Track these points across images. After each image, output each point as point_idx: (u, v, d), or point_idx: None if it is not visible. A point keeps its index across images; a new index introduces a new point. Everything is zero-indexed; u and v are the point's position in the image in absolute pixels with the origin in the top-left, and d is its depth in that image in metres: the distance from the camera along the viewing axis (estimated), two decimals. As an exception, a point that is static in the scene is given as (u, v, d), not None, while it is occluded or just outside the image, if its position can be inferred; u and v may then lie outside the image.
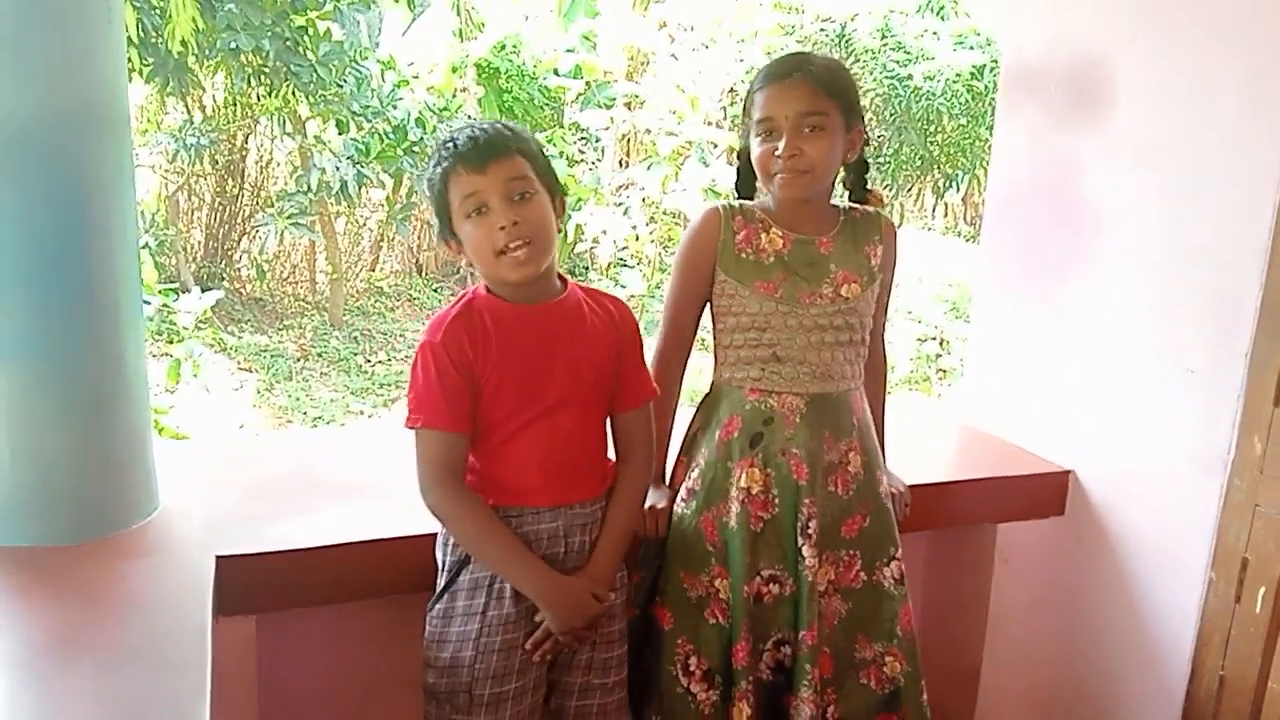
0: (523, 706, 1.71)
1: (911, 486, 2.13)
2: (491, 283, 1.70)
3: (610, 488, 1.79)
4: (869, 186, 1.99)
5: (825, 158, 1.82)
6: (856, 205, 1.98)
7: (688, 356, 2.00)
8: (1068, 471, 2.38)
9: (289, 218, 7.29)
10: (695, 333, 1.99)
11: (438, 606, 1.72)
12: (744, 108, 1.91)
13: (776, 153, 1.80)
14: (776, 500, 1.87)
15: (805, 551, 1.86)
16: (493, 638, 1.68)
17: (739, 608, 1.85)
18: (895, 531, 1.96)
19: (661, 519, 1.92)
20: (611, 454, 1.82)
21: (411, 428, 1.65)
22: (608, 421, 1.80)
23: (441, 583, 1.72)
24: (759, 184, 1.93)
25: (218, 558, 1.72)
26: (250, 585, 1.75)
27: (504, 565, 1.67)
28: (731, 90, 8.03)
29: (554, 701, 1.78)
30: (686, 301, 1.94)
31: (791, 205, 1.88)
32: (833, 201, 1.96)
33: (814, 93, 1.79)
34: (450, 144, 1.64)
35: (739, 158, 1.98)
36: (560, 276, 1.75)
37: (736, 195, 1.98)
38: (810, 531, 1.86)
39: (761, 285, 1.87)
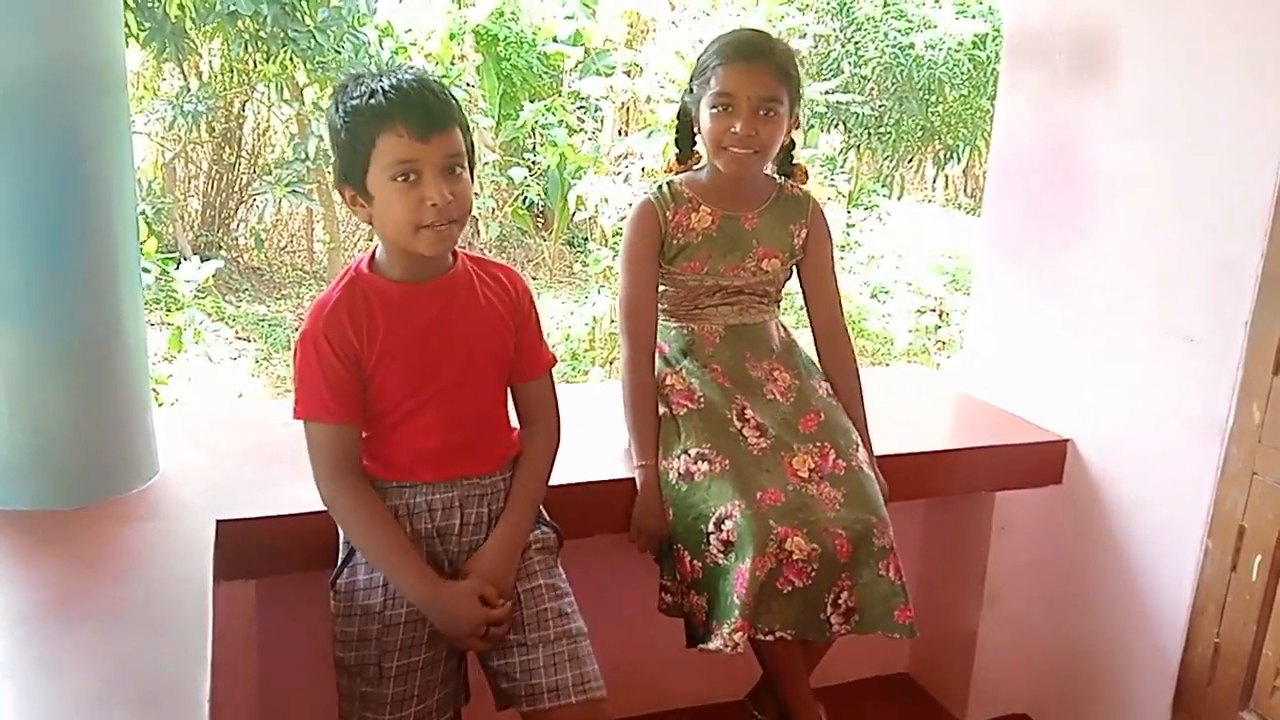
0: (434, 676, 1.69)
1: (909, 454, 2.14)
2: (393, 250, 1.61)
3: (516, 459, 1.75)
4: (794, 161, 2.12)
5: (775, 140, 1.95)
6: (791, 183, 2.10)
7: (654, 355, 2.05)
8: (1066, 440, 2.38)
9: (287, 186, 7.24)
10: (656, 329, 2.06)
11: (340, 580, 1.68)
12: (696, 73, 1.97)
13: (734, 130, 1.89)
14: (702, 398, 1.99)
15: (746, 432, 1.95)
16: (398, 610, 1.64)
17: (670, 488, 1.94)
18: (852, 430, 2.05)
19: (655, 529, 1.94)
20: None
21: (298, 419, 1.61)
22: (506, 394, 1.75)
23: (341, 555, 1.70)
24: (697, 149, 2.08)
25: (218, 522, 1.72)
26: (251, 549, 1.76)
27: (388, 568, 1.62)
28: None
29: (494, 661, 1.71)
30: (645, 297, 2.03)
31: (727, 180, 2.00)
32: (770, 174, 2.09)
33: (775, 80, 1.91)
34: (391, 93, 1.50)
35: (679, 118, 2.08)
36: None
37: (675, 150, 2.11)
38: (749, 418, 1.96)
39: (689, 265, 2.02)
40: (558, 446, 1.80)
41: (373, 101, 1.50)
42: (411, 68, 1.61)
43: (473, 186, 1.61)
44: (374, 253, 1.65)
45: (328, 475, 1.61)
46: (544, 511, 1.81)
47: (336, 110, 1.55)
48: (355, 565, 1.68)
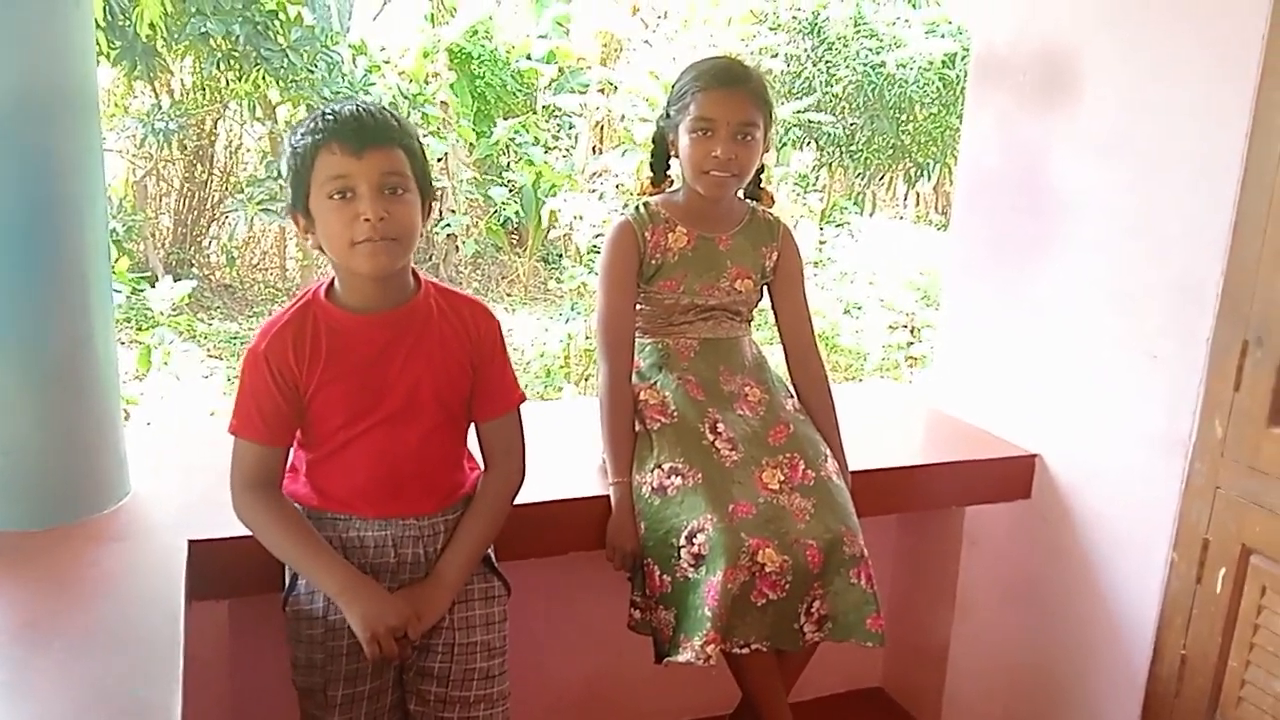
0: (380, 705, 1.69)
1: (880, 470, 2.16)
2: (339, 271, 1.60)
3: (469, 497, 1.73)
4: (762, 185, 2.15)
5: (753, 164, 2.01)
6: (763, 208, 2.14)
7: (631, 373, 2.06)
8: (1034, 455, 2.41)
9: (259, 204, 7.23)
10: (634, 347, 2.07)
11: (287, 606, 1.68)
12: (674, 99, 2.01)
13: (714, 154, 1.93)
14: (675, 412, 2.00)
15: (718, 444, 1.97)
16: (339, 641, 1.63)
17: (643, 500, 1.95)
18: (820, 441, 2.06)
19: (629, 546, 1.95)
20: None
21: (230, 433, 1.62)
22: (464, 433, 1.74)
23: (286, 580, 1.69)
24: (671, 171, 2.12)
25: (190, 542, 1.72)
26: (223, 570, 1.75)
27: (305, 567, 1.60)
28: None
29: (413, 706, 1.72)
30: (624, 316, 2.05)
31: (704, 202, 2.04)
32: (743, 197, 2.12)
33: (753, 105, 1.96)
34: (330, 116, 1.53)
35: (654, 141, 2.11)
36: (415, 275, 1.67)
37: (650, 172, 2.13)
38: (720, 431, 1.98)
39: (666, 284, 2.06)
40: (517, 488, 1.77)
41: (314, 126, 1.54)
42: (353, 98, 1.64)
43: (419, 211, 1.58)
44: (333, 280, 1.64)
45: (243, 488, 1.62)
46: (495, 562, 1.79)
47: (286, 143, 1.59)
48: (298, 594, 1.67)
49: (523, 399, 1.77)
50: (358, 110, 1.54)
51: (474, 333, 1.69)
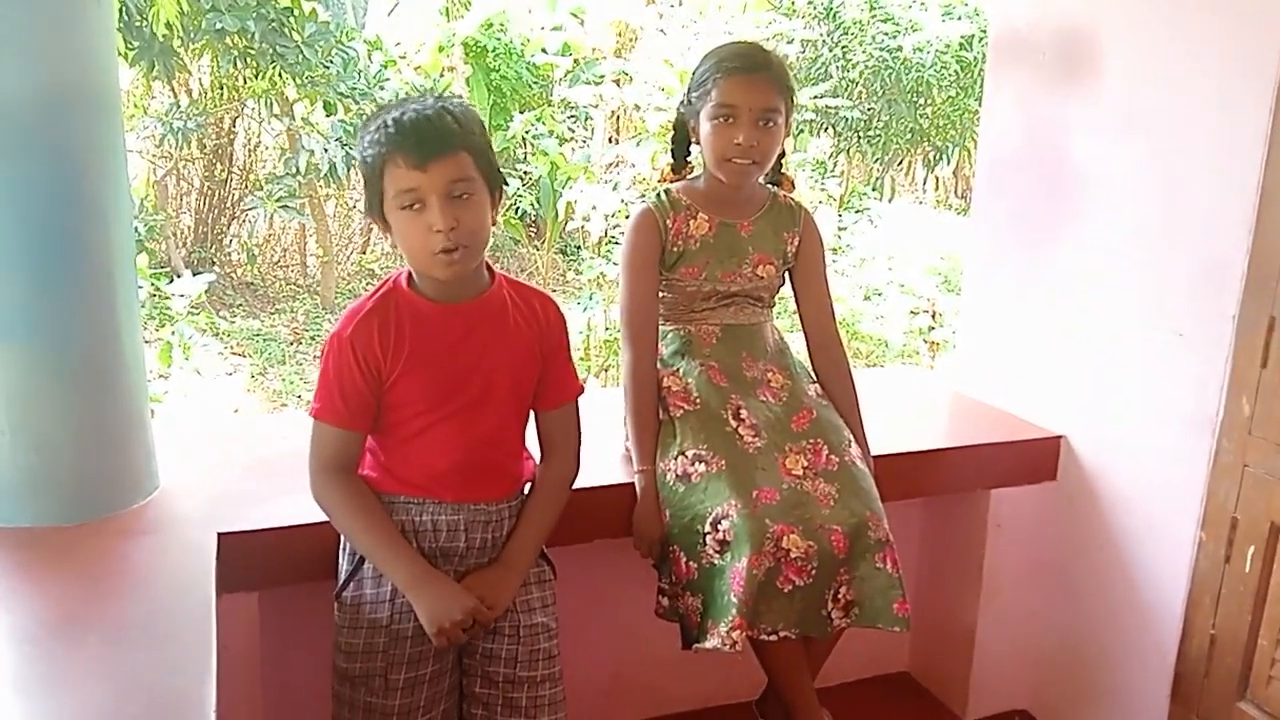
0: (440, 688, 1.71)
1: (905, 454, 2.15)
2: (418, 274, 1.65)
3: (530, 485, 1.78)
4: (783, 170, 2.16)
5: (774, 150, 2.00)
6: (784, 193, 2.13)
7: (655, 361, 2.06)
8: (1059, 437, 2.40)
9: (278, 201, 7.26)
10: (657, 335, 2.07)
11: (346, 593, 1.70)
12: (695, 85, 2.00)
13: (736, 141, 1.92)
14: (698, 399, 2.00)
15: (741, 431, 1.96)
16: (405, 624, 1.65)
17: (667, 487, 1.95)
18: (843, 426, 2.06)
19: (654, 534, 1.96)
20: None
21: (311, 416, 1.65)
22: (527, 422, 1.78)
23: (346, 570, 1.71)
24: (691, 159, 2.11)
25: (220, 535, 1.74)
26: (252, 561, 1.77)
27: (376, 554, 1.64)
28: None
29: (478, 688, 1.74)
30: (647, 303, 2.05)
31: (725, 189, 2.03)
32: (765, 184, 2.11)
33: (775, 91, 1.95)
34: (391, 126, 1.55)
35: (675, 128, 2.10)
36: (488, 268, 1.71)
37: (671, 160, 2.12)
38: (743, 417, 1.98)
39: (688, 271, 2.05)
40: (575, 476, 1.82)
41: (378, 137, 1.57)
42: (426, 95, 1.65)
43: (489, 210, 1.61)
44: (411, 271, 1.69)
45: (321, 469, 1.65)
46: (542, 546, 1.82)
47: (357, 149, 1.62)
48: (362, 579, 1.69)
49: (582, 390, 1.81)
50: (418, 118, 1.55)
51: (543, 323, 1.74)
